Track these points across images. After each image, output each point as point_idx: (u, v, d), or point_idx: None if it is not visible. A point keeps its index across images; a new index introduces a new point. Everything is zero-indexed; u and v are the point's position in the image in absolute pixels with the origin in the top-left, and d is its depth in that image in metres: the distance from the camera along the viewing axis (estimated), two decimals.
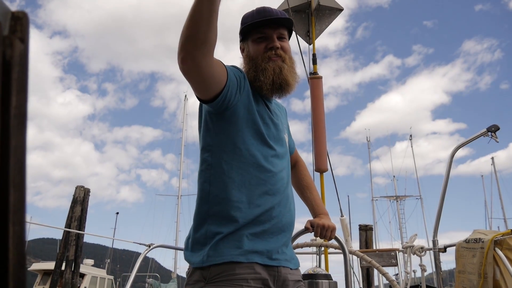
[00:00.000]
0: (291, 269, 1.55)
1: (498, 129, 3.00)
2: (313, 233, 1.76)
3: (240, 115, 1.50)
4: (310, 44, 3.88)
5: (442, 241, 3.55)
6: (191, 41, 1.24)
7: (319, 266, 3.12)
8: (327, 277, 2.35)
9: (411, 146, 36.90)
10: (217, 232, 1.43)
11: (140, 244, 3.10)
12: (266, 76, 1.56)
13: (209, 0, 1.20)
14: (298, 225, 1.78)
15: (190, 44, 1.24)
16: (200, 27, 1.22)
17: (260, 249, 1.44)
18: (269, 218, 1.49)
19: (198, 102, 1.55)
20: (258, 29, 1.62)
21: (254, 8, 1.69)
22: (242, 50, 1.69)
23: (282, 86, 1.59)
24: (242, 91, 1.51)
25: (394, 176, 36.36)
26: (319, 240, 2.95)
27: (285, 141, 1.67)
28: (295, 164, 1.93)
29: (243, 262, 1.40)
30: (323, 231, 1.71)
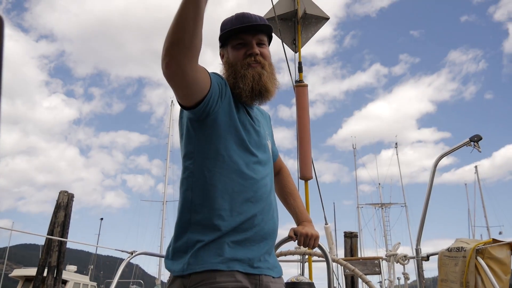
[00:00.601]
0: (273, 277, 1.53)
1: (481, 139, 3.04)
2: (296, 241, 1.76)
3: (221, 122, 1.49)
4: (296, 52, 3.90)
5: (426, 249, 3.58)
6: (176, 46, 1.23)
7: (303, 274, 3.11)
8: (310, 285, 2.34)
9: (397, 154, 37.27)
10: (198, 240, 1.42)
11: (122, 251, 3.06)
12: (245, 83, 1.55)
13: (194, 5, 1.20)
14: (283, 232, 1.78)
15: (175, 49, 1.24)
16: (185, 32, 1.22)
17: (241, 257, 1.43)
18: (251, 226, 1.48)
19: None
20: (237, 35, 1.60)
21: (233, 14, 1.68)
22: (222, 56, 1.68)
23: (261, 93, 1.57)
24: (223, 98, 1.50)
25: (379, 184, 36.66)
26: (302, 249, 2.95)
27: (268, 147, 1.66)
28: (279, 171, 1.92)
29: (224, 270, 1.39)
30: (306, 240, 1.71)
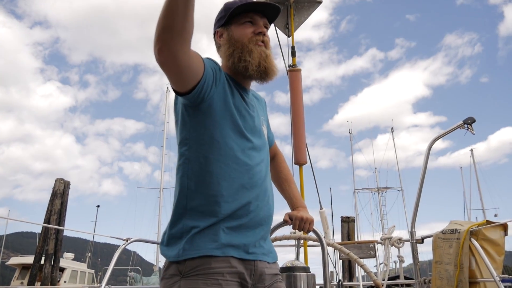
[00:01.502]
0: (268, 263, 1.54)
1: (474, 121, 3.05)
2: (291, 226, 1.76)
3: (216, 108, 1.48)
4: (289, 37, 3.87)
5: (422, 232, 3.62)
6: (167, 31, 1.22)
7: (298, 258, 3.14)
8: (305, 269, 2.36)
9: (393, 139, 37.32)
10: (194, 226, 1.42)
11: (117, 238, 3.07)
12: (253, 57, 1.56)
13: None
14: (278, 217, 1.78)
15: (166, 34, 1.22)
16: (176, 16, 1.20)
17: (236, 242, 1.43)
18: (247, 212, 1.48)
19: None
20: (246, 14, 1.62)
21: None
22: (220, 35, 1.67)
23: (266, 71, 1.59)
24: (218, 83, 1.49)
25: (376, 168, 36.80)
26: (298, 233, 2.96)
27: (263, 133, 1.66)
28: (274, 157, 1.92)
29: (219, 256, 1.39)
30: (301, 224, 1.71)
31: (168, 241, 1.47)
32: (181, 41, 1.24)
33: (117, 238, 3.08)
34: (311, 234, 2.33)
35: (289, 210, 1.81)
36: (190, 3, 1.21)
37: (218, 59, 1.65)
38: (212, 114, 1.47)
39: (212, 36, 1.71)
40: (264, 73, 1.59)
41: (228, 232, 1.43)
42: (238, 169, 1.49)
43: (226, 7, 1.67)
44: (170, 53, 1.25)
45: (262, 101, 1.85)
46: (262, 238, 1.54)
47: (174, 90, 1.44)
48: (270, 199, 1.61)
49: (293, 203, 1.82)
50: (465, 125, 3.04)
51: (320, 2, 3.95)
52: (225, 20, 1.65)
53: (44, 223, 15.34)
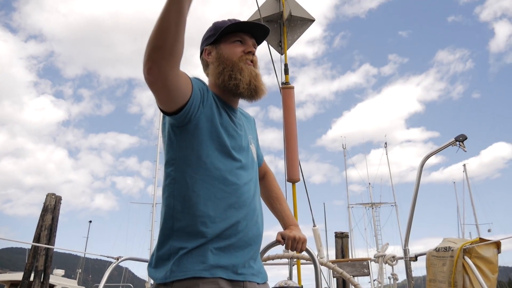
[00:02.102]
0: (258, 283, 1.52)
1: (466, 138, 3.06)
2: (284, 245, 1.75)
3: (203, 128, 1.47)
4: (282, 54, 3.90)
5: (416, 248, 3.62)
6: (158, 51, 1.21)
7: (291, 277, 3.10)
8: None
9: (386, 154, 37.43)
10: (181, 247, 1.40)
11: (108, 257, 3.03)
12: (243, 75, 1.57)
13: (177, 10, 1.18)
14: (270, 233, 1.76)
15: (157, 54, 1.21)
16: (167, 37, 1.20)
17: (225, 263, 1.41)
18: (235, 232, 1.46)
19: None
20: (236, 33, 1.64)
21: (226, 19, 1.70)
22: (209, 52, 1.67)
23: (256, 90, 1.60)
24: (205, 104, 1.49)
25: (369, 184, 36.83)
26: (290, 252, 2.93)
27: (252, 151, 1.65)
28: (264, 176, 1.91)
29: (207, 277, 1.37)
30: (294, 243, 1.70)
31: (156, 262, 1.44)
32: (171, 61, 1.24)
33: (108, 257, 3.03)
34: (304, 253, 2.31)
35: (280, 229, 1.80)
36: (181, 24, 1.21)
37: (205, 78, 1.65)
38: (199, 134, 1.46)
39: (199, 54, 1.72)
40: (254, 92, 1.60)
41: (216, 253, 1.41)
42: (225, 189, 1.47)
43: (216, 26, 1.68)
44: (160, 73, 1.24)
45: (251, 120, 1.84)
46: (252, 258, 1.52)
47: (161, 110, 1.43)
48: (259, 218, 1.59)
49: (285, 222, 1.81)
50: (457, 143, 3.05)
51: (313, 20, 3.98)
52: (215, 39, 1.65)
53: (34, 238, 15.13)
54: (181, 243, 1.41)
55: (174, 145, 1.49)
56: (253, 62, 1.63)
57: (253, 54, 1.64)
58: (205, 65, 1.69)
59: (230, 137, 1.53)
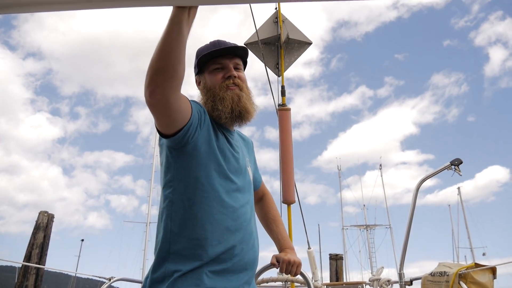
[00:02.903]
0: None
1: (461, 162, 3.07)
2: (278, 268, 1.73)
3: (201, 150, 1.47)
4: (279, 76, 3.93)
5: (411, 271, 3.59)
6: (160, 74, 1.22)
7: None
8: None
9: (381, 176, 37.39)
10: (176, 270, 1.39)
11: (100, 277, 2.98)
12: (224, 105, 1.55)
13: (178, 33, 1.19)
14: (266, 253, 1.75)
15: (159, 77, 1.22)
16: (169, 59, 1.21)
17: (219, 287, 1.40)
18: (231, 256, 1.45)
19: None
20: (214, 60, 1.62)
21: (208, 42, 1.70)
22: (198, 83, 1.69)
23: (241, 114, 1.58)
24: (202, 126, 1.49)
25: (364, 205, 36.69)
26: (285, 276, 2.90)
27: (248, 173, 1.65)
28: (262, 197, 1.91)
29: None
30: (288, 267, 1.69)
31: (150, 285, 1.43)
32: (173, 84, 1.24)
33: (100, 277, 2.99)
34: (299, 276, 2.29)
35: (276, 250, 1.79)
36: (183, 46, 1.22)
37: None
38: (196, 156, 1.46)
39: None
40: (239, 118, 1.58)
41: (211, 276, 1.39)
42: (223, 211, 1.47)
43: (197, 54, 1.69)
44: (162, 96, 1.25)
45: (249, 142, 1.84)
46: (246, 282, 1.50)
47: (159, 132, 1.43)
48: (256, 242, 1.58)
49: (281, 245, 1.80)
50: (452, 167, 3.06)
51: (310, 43, 4.03)
52: (198, 69, 1.67)
53: (25, 257, 14.91)
54: (176, 266, 1.39)
55: (171, 167, 1.48)
56: (237, 84, 1.61)
57: (235, 77, 1.61)
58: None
59: (227, 159, 1.53)
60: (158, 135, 1.46)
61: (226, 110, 1.55)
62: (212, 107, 1.57)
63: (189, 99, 1.47)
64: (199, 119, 1.47)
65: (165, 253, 1.43)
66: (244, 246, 1.50)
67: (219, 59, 1.62)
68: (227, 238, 1.45)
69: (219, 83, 1.59)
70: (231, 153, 1.57)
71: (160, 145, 1.56)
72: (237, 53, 1.65)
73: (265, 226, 1.87)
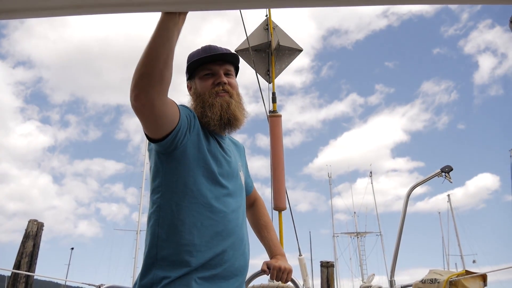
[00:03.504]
0: None
1: (451, 169, 3.09)
2: (269, 275, 1.72)
3: (190, 155, 1.46)
4: (270, 83, 3.94)
5: (401, 278, 3.59)
6: (145, 79, 1.21)
7: None
8: None
9: (372, 183, 37.52)
10: (164, 277, 1.37)
11: (90, 285, 2.96)
12: (213, 112, 1.55)
13: (166, 37, 1.19)
14: (256, 261, 1.73)
15: (144, 81, 1.22)
16: (156, 65, 1.20)
17: None
18: (221, 262, 1.43)
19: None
20: (205, 65, 1.61)
21: (200, 47, 1.69)
22: (189, 88, 1.68)
23: (230, 121, 1.57)
24: (192, 130, 1.48)
25: (355, 213, 36.76)
26: (275, 283, 2.89)
27: (240, 178, 1.64)
28: (253, 203, 1.90)
29: None
30: (279, 274, 1.67)
31: None
32: (159, 89, 1.24)
33: (90, 285, 2.96)
34: (290, 283, 2.28)
35: (267, 257, 1.78)
36: (170, 52, 1.21)
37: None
38: (185, 161, 1.45)
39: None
40: (228, 125, 1.58)
41: (200, 283, 1.38)
42: (212, 217, 1.45)
43: (188, 59, 1.68)
44: (147, 100, 1.24)
45: (241, 147, 1.84)
46: None
47: (147, 137, 1.42)
48: (246, 248, 1.57)
49: (272, 251, 1.79)
50: (443, 174, 3.08)
51: (301, 50, 4.05)
52: (189, 75, 1.67)
53: (14, 265, 14.72)
54: (164, 272, 1.38)
55: (160, 172, 1.48)
56: (227, 91, 1.60)
57: (224, 83, 1.60)
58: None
59: (218, 164, 1.53)
60: (148, 141, 1.45)
61: (215, 117, 1.54)
62: (201, 113, 1.56)
63: (178, 104, 1.46)
64: (188, 124, 1.46)
65: (152, 259, 1.42)
66: (235, 252, 1.48)
67: (210, 65, 1.61)
68: (216, 244, 1.44)
69: (208, 89, 1.59)
70: (223, 157, 1.56)
71: (149, 150, 1.55)
72: (228, 59, 1.64)
73: (256, 232, 1.86)
